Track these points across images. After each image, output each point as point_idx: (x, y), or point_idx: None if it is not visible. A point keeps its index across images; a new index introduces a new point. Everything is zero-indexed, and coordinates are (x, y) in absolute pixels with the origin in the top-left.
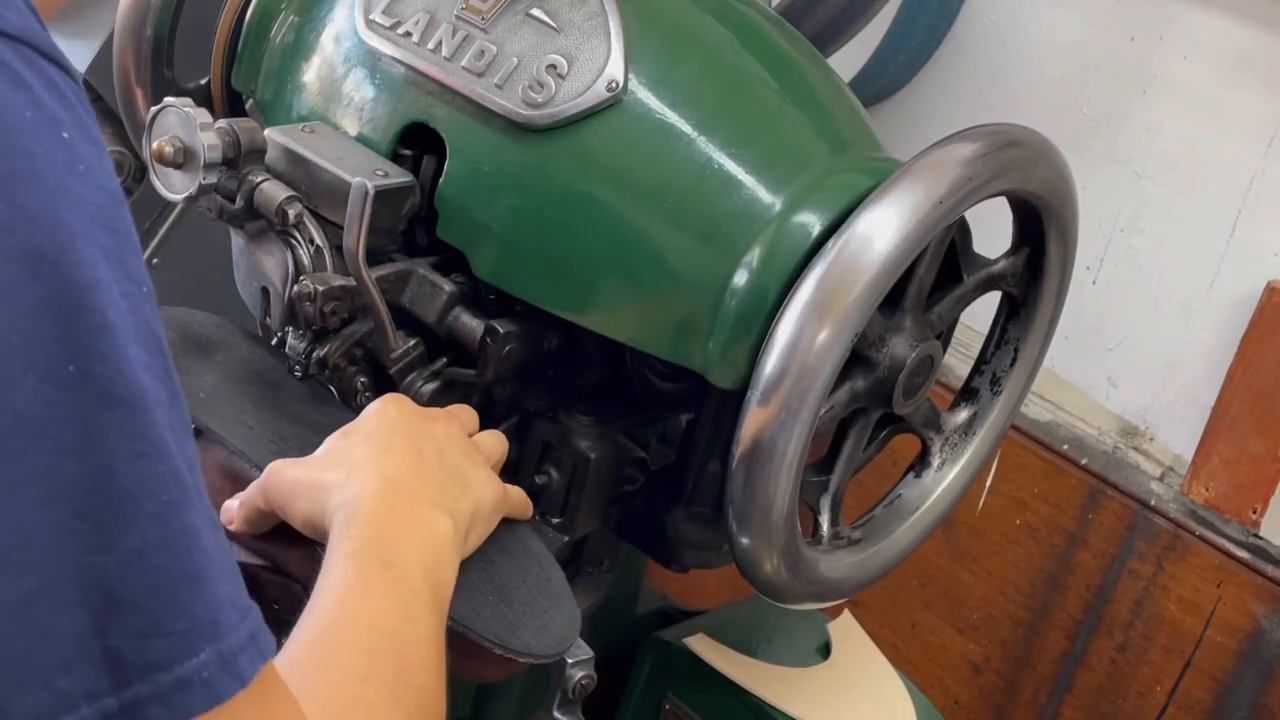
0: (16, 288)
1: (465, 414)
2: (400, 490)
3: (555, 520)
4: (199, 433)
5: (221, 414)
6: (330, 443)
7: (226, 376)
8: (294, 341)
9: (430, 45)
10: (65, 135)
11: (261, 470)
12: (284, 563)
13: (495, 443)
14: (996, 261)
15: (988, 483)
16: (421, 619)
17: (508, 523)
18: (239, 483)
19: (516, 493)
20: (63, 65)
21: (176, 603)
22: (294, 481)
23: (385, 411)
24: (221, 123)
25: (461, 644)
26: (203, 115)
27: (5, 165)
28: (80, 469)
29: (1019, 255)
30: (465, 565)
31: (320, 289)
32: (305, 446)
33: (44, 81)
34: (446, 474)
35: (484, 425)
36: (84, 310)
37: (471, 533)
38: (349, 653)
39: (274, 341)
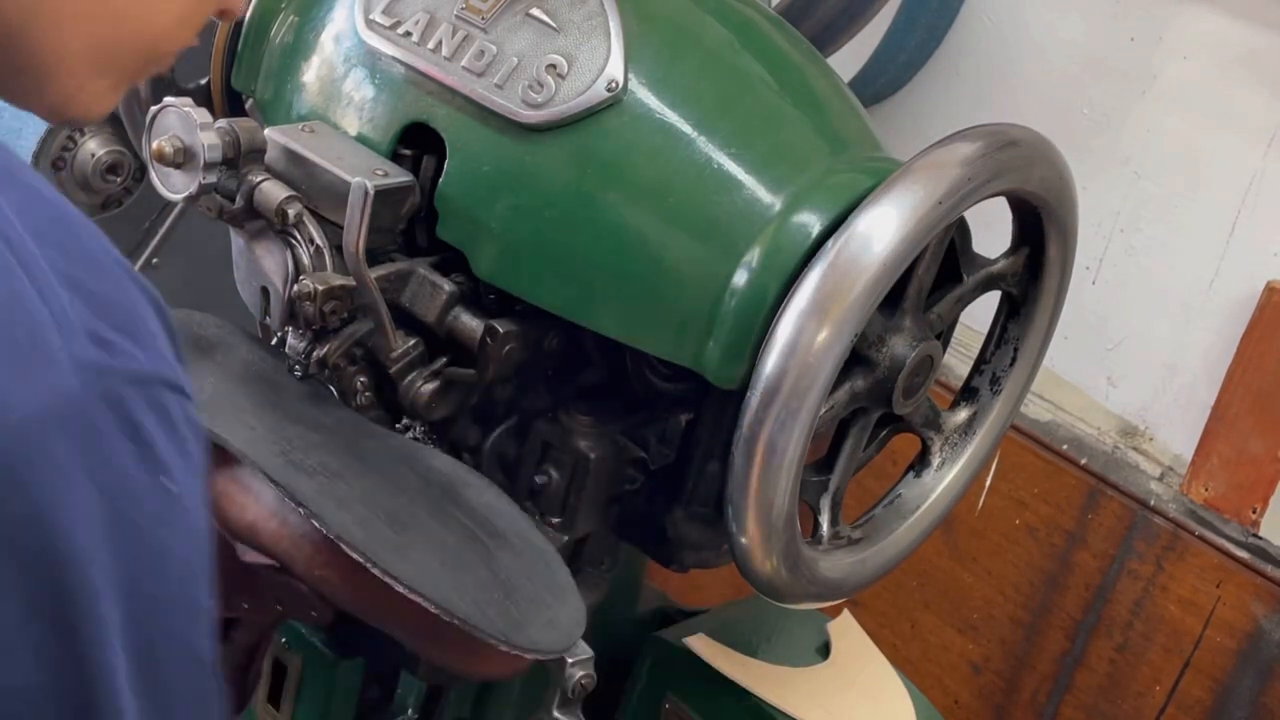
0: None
1: None
2: None
3: (555, 520)
4: None
5: (224, 416)
6: None
7: (227, 377)
8: (294, 341)
9: (430, 45)
10: (169, 485)
11: (265, 472)
12: (291, 564)
13: None
14: (996, 261)
15: (987, 482)
16: None
17: (511, 518)
18: (240, 486)
19: None
20: (184, 391)
21: None
22: None
23: None
24: (221, 122)
25: (468, 642)
26: (203, 115)
27: (87, 534)
28: None
29: (1019, 255)
30: (471, 563)
31: (320, 288)
32: (308, 447)
33: (160, 421)
34: None
35: (484, 425)
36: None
37: None
38: None
39: (274, 341)
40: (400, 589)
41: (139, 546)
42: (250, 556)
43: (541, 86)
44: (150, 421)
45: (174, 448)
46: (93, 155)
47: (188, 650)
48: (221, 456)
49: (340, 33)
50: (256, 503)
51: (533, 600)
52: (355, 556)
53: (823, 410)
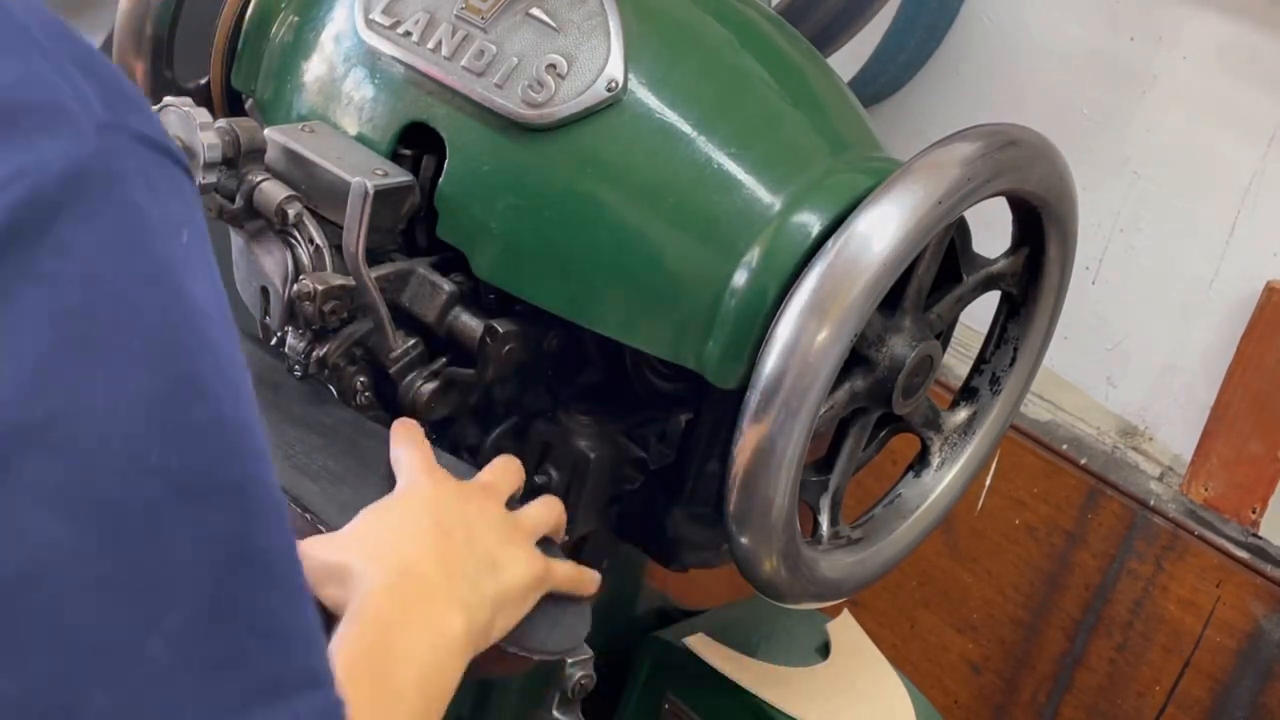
0: (129, 374)
1: (507, 479)
2: (417, 583)
3: None
4: None
5: None
6: (361, 519)
7: None
8: (294, 341)
9: (430, 45)
10: (184, 240)
11: (284, 486)
12: None
13: (543, 512)
14: (996, 261)
15: (987, 482)
16: None
17: None
18: None
19: (562, 568)
20: (184, 166)
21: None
22: (324, 565)
23: (420, 489)
24: (221, 122)
25: None
26: (202, 115)
27: (124, 264)
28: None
29: (1018, 255)
30: None
31: (320, 288)
32: (310, 450)
33: (169, 182)
34: (475, 561)
35: (484, 425)
36: (198, 402)
37: (500, 617)
38: None
39: (274, 341)
40: None
41: (170, 277)
42: None
43: (541, 86)
44: (161, 180)
45: (183, 210)
46: None
47: (235, 386)
48: None
49: (340, 32)
50: None
51: (537, 602)
52: None
53: (822, 410)
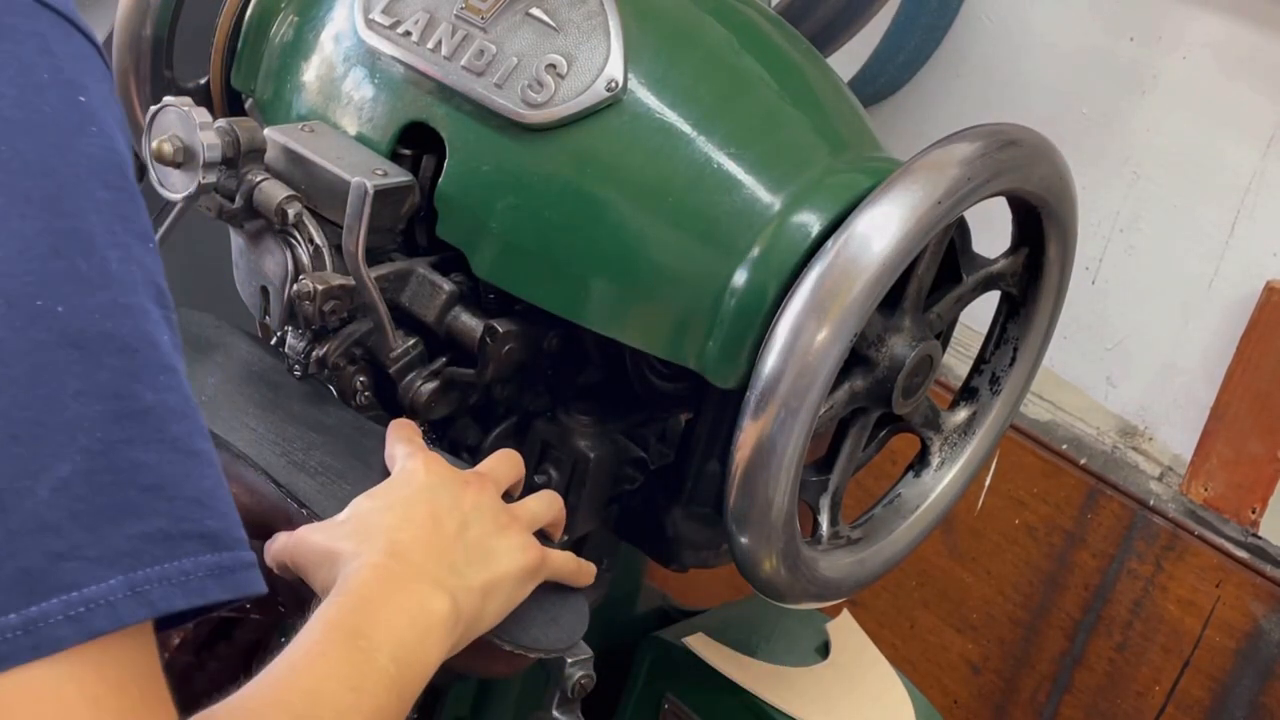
0: (14, 222)
1: (505, 470)
2: (404, 565)
3: None
4: None
5: (224, 417)
6: (354, 506)
7: (227, 378)
8: (293, 341)
9: (430, 44)
10: (82, 99)
11: (266, 473)
12: None
13: (542, 505)
14: (996, 261)
15: (986, 482)
16: (372, 693)
17: None
18: (242, 486)
19: (559, 558)
20: (96, 45)
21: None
22: (313, 549)
23: (414, 476)
24: (221, 122)
25: (472, 641)
26: (202, 114)
27: (14, 114)
28: (101, 406)
29: (1018, 255)
30: None
31: (319, 288)
32: (309, 448)
33: (73, 53)
34: (465, 549)
35: (484, 425)
36: (83, 254)
37: (491, 605)
38: (273, 710)
39: (273, 341)
40: None
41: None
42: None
43: (541, 86)
44: (59, 45)
45: (93, 85)
46: None
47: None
48: (225, 457)
49: (340, 32)
50: (260, 502)
51: (535, 598)
52: None
53: (822, 410)
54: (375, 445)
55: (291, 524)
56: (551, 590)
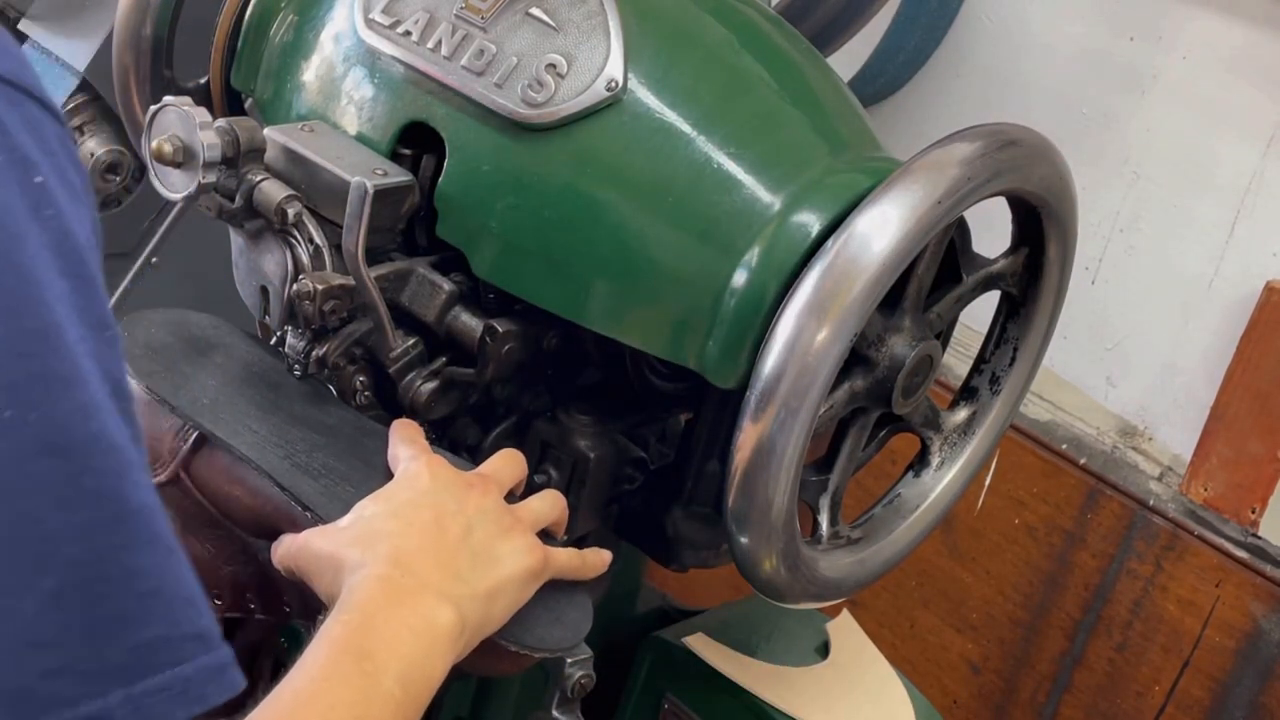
0: None
1: (508, 471)
2: (409, 576)
3: None
4: (204, 439)
5: (226, 419)
6: (358, 510)
7: (227, 380)
8: (293, 341)
9: (430, 44)
10: (38, 180)
11: (270, 475)
12: None
13: (545, 505)
14: (996, 261)
15: (986, 482)
16: (379, 717)
17: None
18: (246, 489)
19: (562, 555)
20: (50, 108)
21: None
22: (317, 556)
23: (418, 479)
24: (221, 122)
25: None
26: (202, 114)
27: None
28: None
29: (1018, 255)
30: None
31: (319, 288)
32: (312, 450)
33: (25, 123)
34: (470, 554)
35: (483, 424)
36: (54, 354)
37: (496, 609)
38: None
39: (273, 341)
40: None
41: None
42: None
43: (541, 86)
44: (14, 122)
45: (42, 154)
46: (92, 154)
47: (90, 282)
48: (228, 459)
49: (340, 32)
50: (265, 505)
51: (539, 597)
52: None
53: (822, 410)
54: (378, 446)
55: (296, 526)
56: (555, 589)
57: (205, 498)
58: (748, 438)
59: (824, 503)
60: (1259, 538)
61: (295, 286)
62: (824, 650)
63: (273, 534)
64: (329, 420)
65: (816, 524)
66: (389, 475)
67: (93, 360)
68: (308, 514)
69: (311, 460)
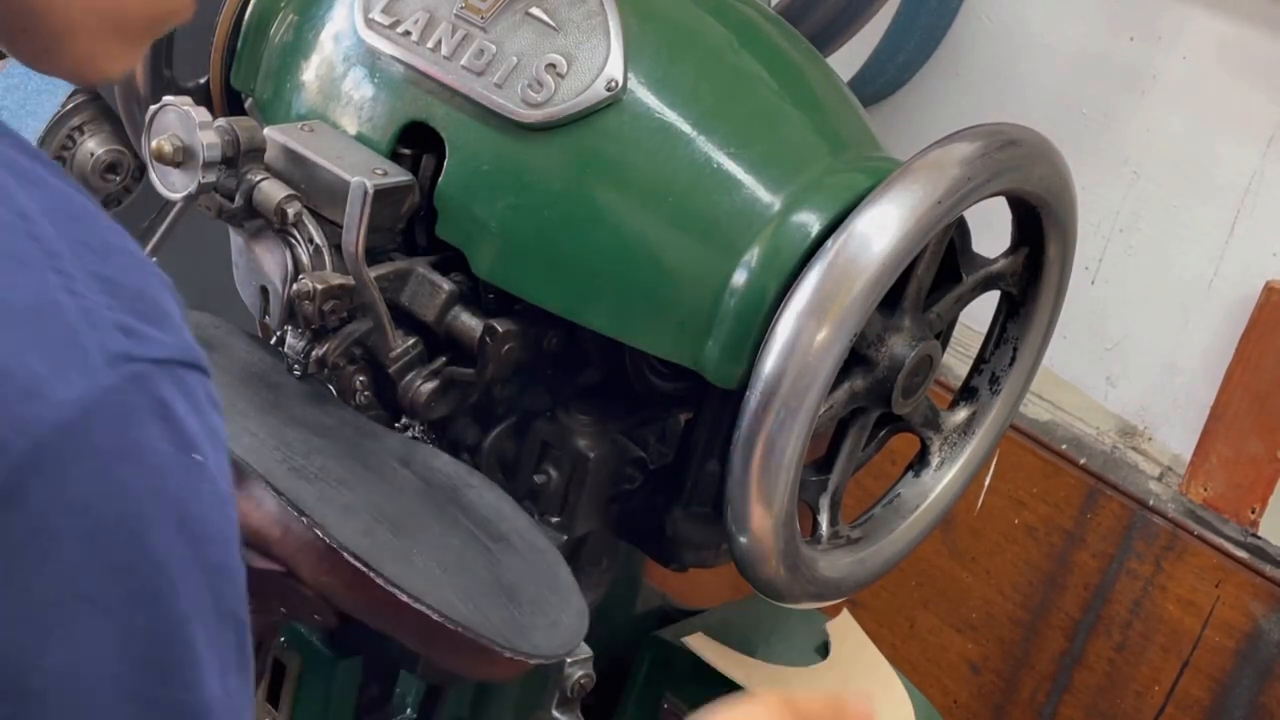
0: (119, 614)
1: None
2: None
3: (554, 519)
4: None
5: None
6: None
7: (227, 380)
8: (293, 341)
9: (430, 44)
10: (197, 457)
11: (268, 480)
12: (295, 571)
13: None
14: (995, 261)
15: (986, 482)
16: None
17: (513, 518)
18: (245, 493)
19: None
20: (202, 368)
21: None
22: None
23: None
24: (220, 121)
25: (472, 647)
26: (202, 114)
27: (136, 508)
28: None
29: (1018, 255)
30: (474, 567)
31: (319, 287)
32: (310, 452)
33: (185, 398)
34: None
35: (484, 424)
36: (176, 644)
37: None
38: None
39: (273, 340)
40: (404, 598)
41: (182, 518)
42: (258, 562)
43: (541, 86)
44: (178, 401)
45: (199, 422)
46: (92, 154)
47: (233, 616)
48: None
49: (340, 32)
50: (259, 509)
51: (535, 603)
52: (359, 565)
53: (822, 410)
54: (375, 448)
55: (290, 533)
56: (552, 591)
57: None
58: (748, 437)
59: (824, 503)
60: (1259, 538)
61: (295, 286)
62: (824, 650)
63: (262, 542)
64: (328, 420)
65: (816, 524)
66: (385, 478)
67: (214, 646)
68: (303, 519)
69: (309, 463)
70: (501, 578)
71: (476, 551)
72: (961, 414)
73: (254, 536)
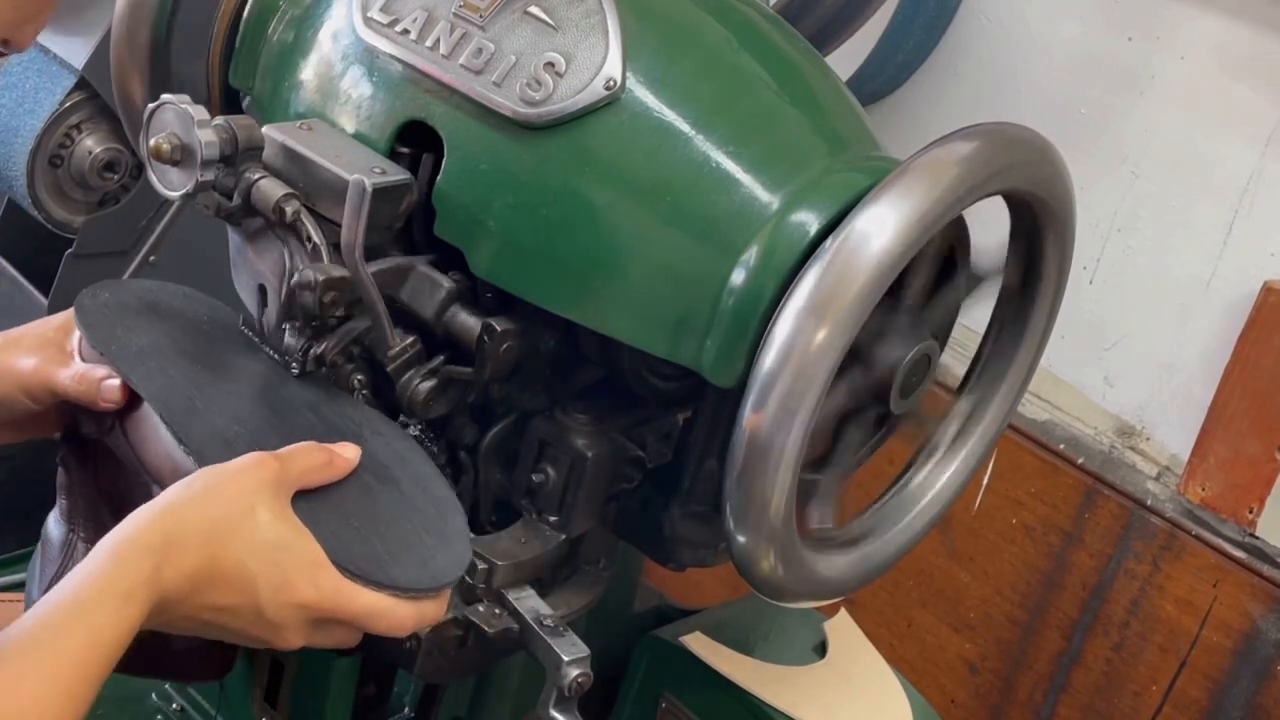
0: None
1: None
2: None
3: (552, 518)
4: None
5: (147, 366)
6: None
7: (168, 333)
8: (291, 339)
9: (428, 43)
10: None
11: (161, 415)
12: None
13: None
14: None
15: (984, 482)
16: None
17: (413, 466)
18: (151, 429)
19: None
20: None
21: None
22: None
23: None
24: (219, 120)
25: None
26: (200, 112)
27: None
28: None
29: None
30: (344, 499)
31: (320, 279)
32: (218, 395)
33: None
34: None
35: (482, 423)
36: None
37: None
38: None
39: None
40: None
41: None
42: (157, 490)
43: (539, 85)
44: None
45: None
46: (90, 152)
47: None
48: (139, 402)
49: (338, 30)
50: (158, 444)
51: (405, 541)
52: None
53: (820, 409)
54: (290, 394)
55: (174, 462)
56: (432, 535)
57: (134, 452)
58: (746, 437)
59: (822, 502)
60: (1256, 538)
61: (296, 277)
62: (821, 649)
63: (159, 476)
64: (254, 368)
65: (814, 523)
66: (285, 420)
67: None
68: (183, 448)
69: (211, 403)
70: (376, 515)
71: (357, 490)
72: (959, 414)
73: (149, 467)
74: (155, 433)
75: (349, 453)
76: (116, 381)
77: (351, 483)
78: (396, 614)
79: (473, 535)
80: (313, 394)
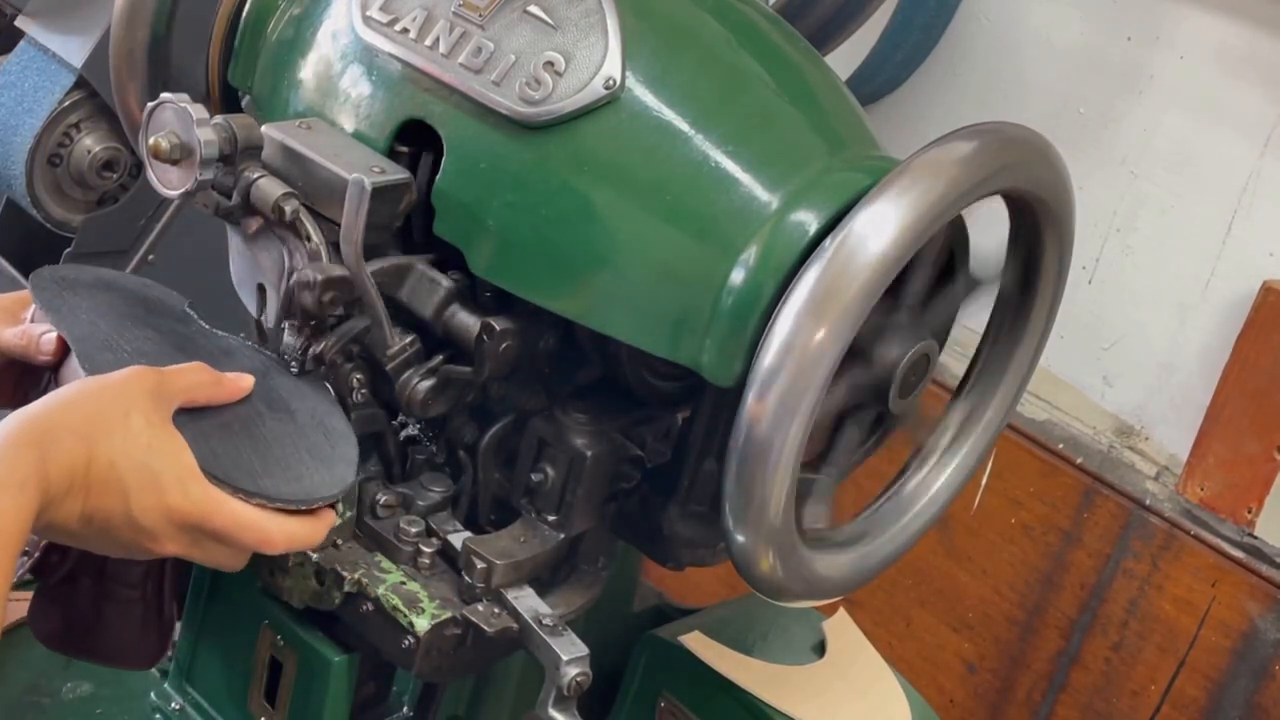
0: None
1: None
2: None
3: (551, 518)
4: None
5: (80, 319)
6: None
7: (111, 300)
8: (290, 338)
9: (427, 42)
10: None
11: (79, 354)
12: None
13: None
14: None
15: (983, 481)
16: None
17: (313, 401)
18: (67, 363)
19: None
20: None
21: None
22: None
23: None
24: (218, 119)
25: None
26: (199, 111)
27: None
28: None
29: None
30: (229, 421)
31: (320, 278)
32: (138, 340)
33: None
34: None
35: (481, 423)
36: None
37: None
38: None
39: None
40: None
41: None
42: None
43: (539, 84)
44: None
45: None
46: (89, 151)
47: None
48: (69, 354)
49: (337, 29)
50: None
51: (283, 459)
52: None
53: (819, 408)
54: (206, 344)
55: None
56: (315, 458)
57: None
58: (745, 436)
59: (821, 501)
60: (1255, 537)
61: (296, 276)
62: (820, 649)
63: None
64: (183, 330)
65: (814, 523)
66: (201, 359)
67: None
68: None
69: (129, 345)
70: (259, 435)
71: (246, 412)
72: (958, 413)
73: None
74: (76, 376)
75: (242, 381)
76: (53, 334)
77: (241, 406)
78: (265, 528)
79: (470, 534)
80: (230, 344)
